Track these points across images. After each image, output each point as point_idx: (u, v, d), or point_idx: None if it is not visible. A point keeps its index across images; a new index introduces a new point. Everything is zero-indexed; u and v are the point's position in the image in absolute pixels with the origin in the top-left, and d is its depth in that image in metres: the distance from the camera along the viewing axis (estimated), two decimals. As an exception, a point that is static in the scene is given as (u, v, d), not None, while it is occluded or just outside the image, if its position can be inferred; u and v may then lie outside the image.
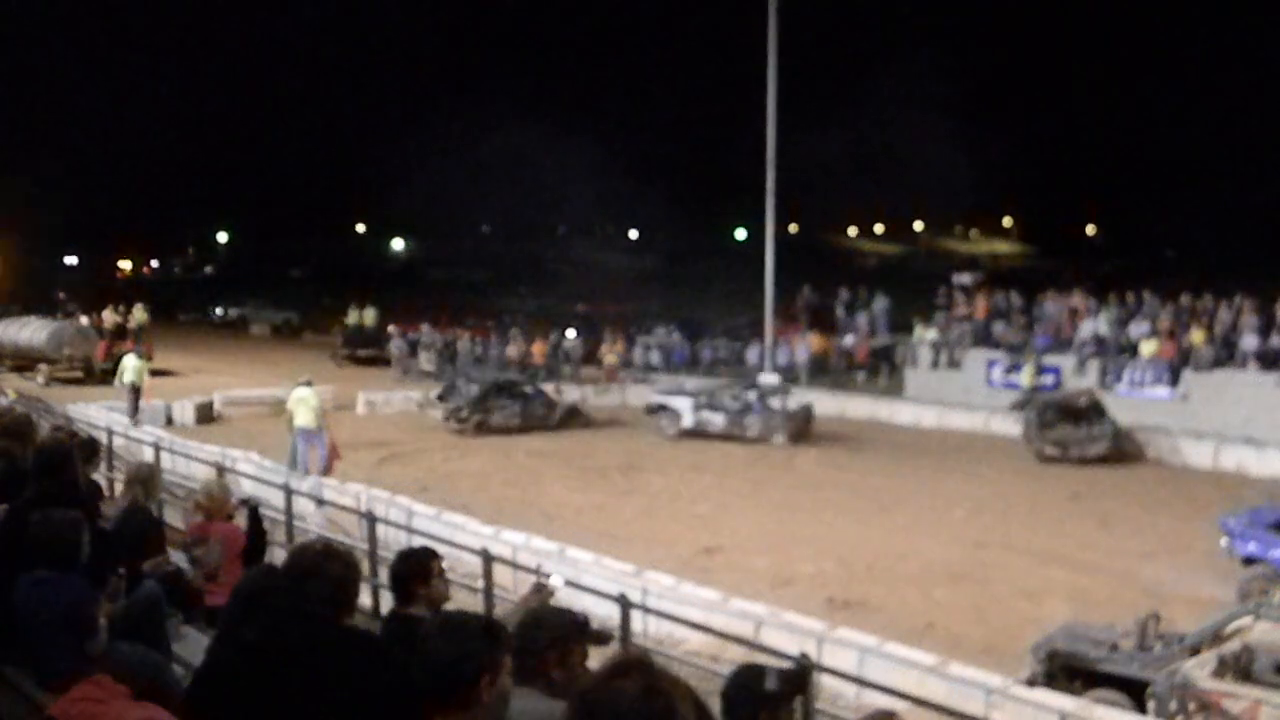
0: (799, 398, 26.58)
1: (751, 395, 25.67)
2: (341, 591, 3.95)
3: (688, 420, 25.28)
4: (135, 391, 24.12)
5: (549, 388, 28.62)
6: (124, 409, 23.98)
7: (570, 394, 29.87)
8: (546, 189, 74.03)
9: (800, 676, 5.00)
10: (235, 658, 3.70)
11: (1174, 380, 25.43)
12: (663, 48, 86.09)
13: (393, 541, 12.66)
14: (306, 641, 3.55)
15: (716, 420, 25.07)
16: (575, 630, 3.64)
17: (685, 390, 26.86)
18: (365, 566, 9.45)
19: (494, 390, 26.32)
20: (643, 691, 2.22)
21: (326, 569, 3.94)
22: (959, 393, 28.74)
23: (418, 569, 4.81)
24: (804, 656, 7.40)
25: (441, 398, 26.81)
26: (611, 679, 2.27)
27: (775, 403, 25.37)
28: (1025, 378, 27.42)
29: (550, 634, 3.55)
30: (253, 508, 7.39)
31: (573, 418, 27.16)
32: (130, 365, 24.25)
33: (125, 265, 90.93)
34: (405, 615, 4.68)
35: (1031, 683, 9.91)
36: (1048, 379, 27.18)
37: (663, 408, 25.95)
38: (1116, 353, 26.81)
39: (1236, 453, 22.70)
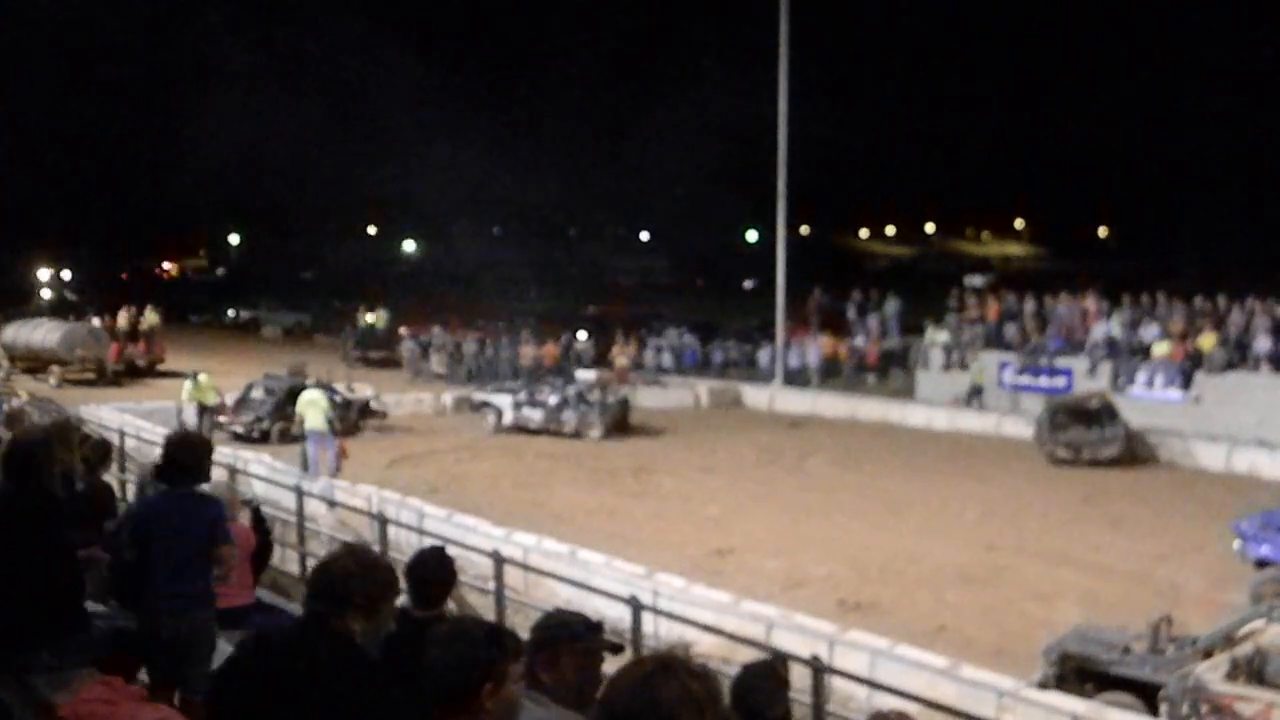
0: (617, 392, 27.64)
1: (569, 391, 26.62)
2: (358, 596, 3.58)
3: (508, 417, 26.15)
4: (207, 412, 22.84)
5: (341, 386, 26.22)
6: (135, 409, 23.99)
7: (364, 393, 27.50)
8: (558, 191, 74.14)
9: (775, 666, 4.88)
10: (252, 659, 3.67)
11: (1186, 382, 25.34)
12: (675, 50, 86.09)
13: (404, 543, 12.68)
14: (317, 647, 3.51)
15: (535, 416, 25.93)
16: (566, 634, 3.58)
17: (506, 388, 27.65)
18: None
19: (289, 398, 23.48)
20: (680, 697, 2.16)
21: (346, 572, 3.60)
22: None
23: (447, 576, 4.78)
24: (815, 659, 7.41)
25: (235, 408, 24.67)
26: (647, 681, 2.19)
27: (591, 397, 26.38)
28: (973, 375, 28.14)
29: (539, 636, 3.48)
30: (254, 509, 7.40)
31: (366, 417, 25.81)
32: (204, 384, 22.86)
33: (170, 266, 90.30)
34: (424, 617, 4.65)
35: (1043, 685, 9.89)
36: (1060, 381, 27.14)
37: (486, 404, 26.76)
38: (1129, 355, 26.72)
39: (1249, 455, 22.58)
